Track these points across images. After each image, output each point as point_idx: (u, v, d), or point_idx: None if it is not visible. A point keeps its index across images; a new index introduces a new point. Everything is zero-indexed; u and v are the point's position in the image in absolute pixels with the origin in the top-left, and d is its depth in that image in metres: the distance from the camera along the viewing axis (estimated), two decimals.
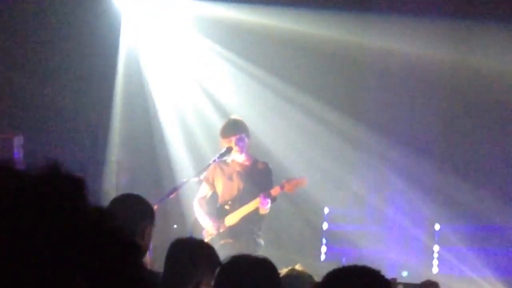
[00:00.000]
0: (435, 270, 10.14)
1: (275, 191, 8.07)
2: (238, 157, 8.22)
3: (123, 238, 1.02)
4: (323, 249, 10.34)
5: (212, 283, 3.79)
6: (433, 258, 10.20)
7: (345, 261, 9.69)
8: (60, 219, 0.96)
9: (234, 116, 8.55)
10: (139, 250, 1.06)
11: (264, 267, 3.60)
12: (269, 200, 8.00)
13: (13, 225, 0.94)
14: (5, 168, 1.01)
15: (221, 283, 3.55)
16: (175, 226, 9.61)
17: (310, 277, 4.74)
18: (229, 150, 8.14)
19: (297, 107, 10.47)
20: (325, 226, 10.40)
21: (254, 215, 8.08)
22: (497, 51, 9.98)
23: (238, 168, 8.24)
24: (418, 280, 7.61)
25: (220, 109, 10.29)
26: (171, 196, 7.79)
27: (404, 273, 9.96)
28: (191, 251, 4.22)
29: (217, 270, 3.62)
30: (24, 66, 10.04)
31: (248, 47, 10.50)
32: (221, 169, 8.24)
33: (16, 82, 10.01)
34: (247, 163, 8.25)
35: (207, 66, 10.64)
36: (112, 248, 1.00)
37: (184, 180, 8.24)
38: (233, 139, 8.11)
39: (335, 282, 2.76)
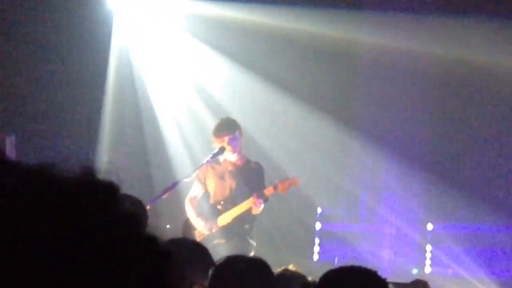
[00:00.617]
0: (427, 269, 10.15)
1: (268, 191, 8.06)
2: (230, 157, 8.21)
3: (158, 246, 0.99)
4: (316, 248, 10.33)
5: (206, 283, 3.78)
6: (426, 258, 10.20)
7: (338, 261, 9.69)
8: (96, 228, 0.94)
9: (227, 116, 8.55)
10: (172, 259, 1.03)
11: (259, 267, 3.59)
12: (262, 200, 8.00)
13: (48, 234, 0.91)
14: (41, 171, 0.98)
15: (216, 283, 3.53)
16: (168, 226, 9.60)
17: (303, 277, 4.72)
18: (222, 150, 8.12)
19: (290, 107, 10.46)
20: (318, 226, 10.39)
21: (247, 215, 8.07)
22: (493, 50, 9.97)
23: (230, 168, 8.23)
24: (410, 280, 7.61)
25: (212, 108, 10.27)
26: (164, 197, 7.76)
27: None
28: (184, 252, 4.20)
29: (212, 270, 3.61)
30: (14, 66, 10.00)
31: (240, 46, 10.49)
32: (213, 168, 8.23)
33: (6, 82, 9.97)
34: (239, 162, 8.24)
35: (199, 65, 10.62)
36: (148, 258, 0.96)
37: (177, 180, 8.22)
38: (226, 138, 8.10)
39: (332, 283, 2.76)
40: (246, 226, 8.11)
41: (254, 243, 8.12)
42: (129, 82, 10.48)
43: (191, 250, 4.27)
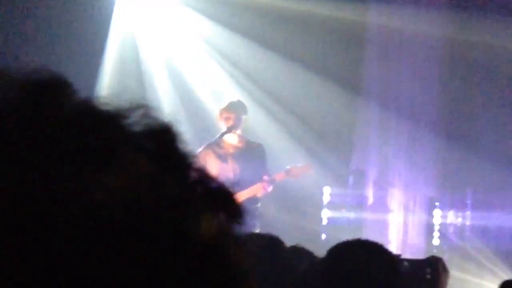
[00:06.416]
0: (435, 241, 10.09)
1: (279, 176, 8.09)
2: (231, 139, 8.20)
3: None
4: (324, 227, 10.24)
5: None
6: (434, 237, 10.14)
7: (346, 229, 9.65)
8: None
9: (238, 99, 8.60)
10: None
11: (272, 244, 3.53)
12: (271, 185, 8.06)
13: None
14: None
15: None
16: None
17: (311, 254, 4.69)
18: (230, 129, 8.12)
19: (297, 83, 10.42)
20: (326, 199, 10.26)
21: (252, 198, 8.07)
22: (496, 23, 9.90)
23: (231, 150, 8.21)
24: (418, 255, 7.58)
25: (218, 90, 10.23)
26: None
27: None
28: None
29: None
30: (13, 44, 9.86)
31: (248, 24, 10.42)
32: (214, 151, 8.19)
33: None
34: (240, 144, 8.23)
35: (205, 46, 10.56)
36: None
37: None
38: (233, 116, 8.10)
39: (339, 257, 2.71)
40: (252, 208, 8.10)
41: (259, 224, 8.13)
42: (132, 65, 10.43)
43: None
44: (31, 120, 0.61)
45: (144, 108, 0.66)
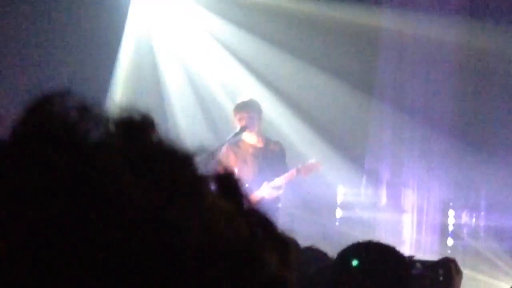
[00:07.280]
0: (449, 242, 10.07)
1: (290, 175, 8.05)
2: (250, 139, 8.17)
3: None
4: (338, 213, 10.24)
5: None
6: (448, 231, 10.12)
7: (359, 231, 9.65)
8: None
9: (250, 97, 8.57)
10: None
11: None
12: (275, 190, 8.08)
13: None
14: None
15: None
16: None
17: (325, 255, 4.71)
18: (243, 129, 8.09)
19: (312, 84, 10.42)
20: (340, 198, 10.28)
21: (275, 197, 8.10)
22: (510, 28, 9.87)
23: (251, 150, 8.18)
24: (431, 255, 7.57)
25: (234, 91, 10.23)
26: None
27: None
28: None
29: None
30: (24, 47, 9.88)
31: (263, 26, 10.43)
32: (235, 153, 8.16)
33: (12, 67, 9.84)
34: (259, 145, 8.19)
35: (221, 48, 10.55)
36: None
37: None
38: (246, 116, 8.07)
39: (349, 259, 2.73)
40: (274, 207, 8.09)
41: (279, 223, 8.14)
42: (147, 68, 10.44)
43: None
44: (125, 155, 0.67)
45: (207, 151, 0.72)
